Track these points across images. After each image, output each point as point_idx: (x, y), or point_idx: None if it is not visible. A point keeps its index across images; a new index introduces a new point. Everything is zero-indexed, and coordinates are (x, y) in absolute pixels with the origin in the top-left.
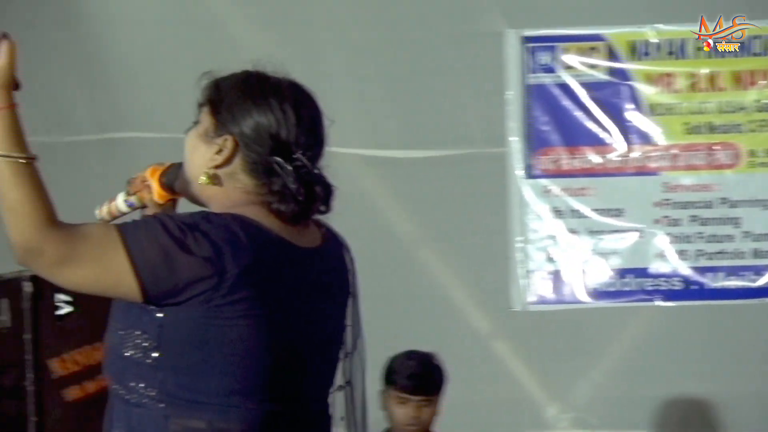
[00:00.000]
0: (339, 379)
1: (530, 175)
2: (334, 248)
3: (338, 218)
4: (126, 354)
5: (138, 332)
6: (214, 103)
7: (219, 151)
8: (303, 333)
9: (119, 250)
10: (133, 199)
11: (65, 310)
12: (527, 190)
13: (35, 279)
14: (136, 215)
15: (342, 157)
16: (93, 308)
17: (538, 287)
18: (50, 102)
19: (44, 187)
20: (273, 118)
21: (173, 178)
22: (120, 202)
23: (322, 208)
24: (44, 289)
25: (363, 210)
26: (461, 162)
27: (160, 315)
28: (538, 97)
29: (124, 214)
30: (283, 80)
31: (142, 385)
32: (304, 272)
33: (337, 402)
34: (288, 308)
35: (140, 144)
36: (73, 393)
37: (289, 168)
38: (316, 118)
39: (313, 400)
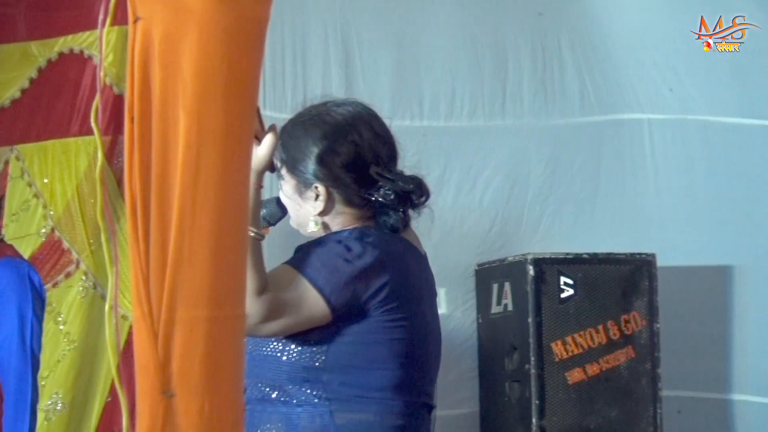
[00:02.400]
0: None
1: None
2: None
3: None
4: (285, 358)
5: (308, 340)
6: (287, 163)
7: (316, 198)
8: (432, 331)
9: (309, 289)
10: None
11: (568, 292)
12: None
13: (538, 262)
14: None
15: None
16: (595, 291)
17: None
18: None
19: (263, 262)
20: (342, 149)
21: (271, 215)
22: None
23: (422, 202)
24: (546, 272)
25: None
26: None
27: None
28: None
29: None
30: (341, 109)
31: (307, 386)
32: (426, 274)
33: None
34: (423, 309)
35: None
36: (575, 376)
37: (381, 188)
38: (385, 129)
39: (433, 395)
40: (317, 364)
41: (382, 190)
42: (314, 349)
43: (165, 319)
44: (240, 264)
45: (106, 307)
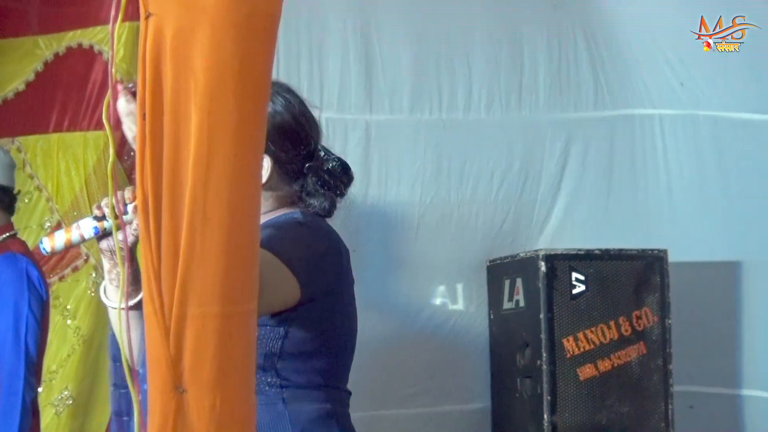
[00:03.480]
0: None
1: None
2: None
3: None
4: None
5: (268, 326)
6: None
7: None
8: (356, 319)
9: (281, 268)
10: (104, 224)
11: (579, 288)
12: None
13: (549, 258)
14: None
15: None
16: (607, 287)
17: None
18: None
19: None
20: (277, 109)
21: None
22: (88, 229)
23: (347, 186)
24: (558, 268)
25: None
26: None
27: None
28: None
29: (79, 243)
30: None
31: (260, 373)
32: (349, 265)
33: None
34: (352, 295)
35: None
36: (586, 372)
37: (316, 166)
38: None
39: None
40: (274, 350)
41: (317, 168)
42: (272, 334)
43: (177, 315)
44: (252, 260)
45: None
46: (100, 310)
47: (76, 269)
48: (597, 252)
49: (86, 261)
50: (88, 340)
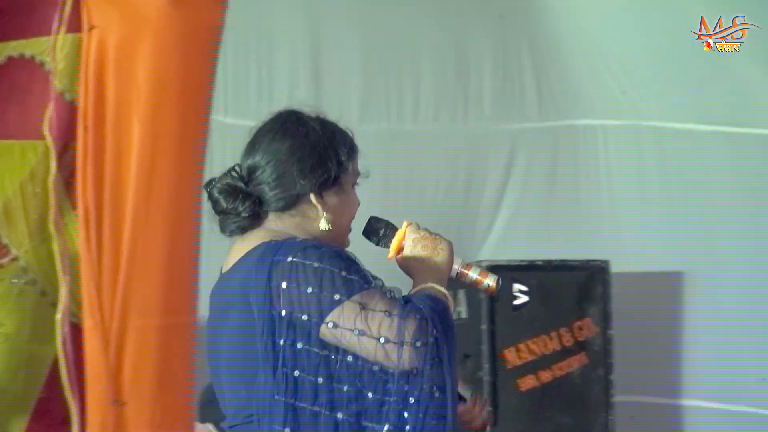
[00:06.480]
0: None
1: None
2: None
3: None
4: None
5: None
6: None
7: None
8: None
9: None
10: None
11: (522, 299)
12: None
13: (492, 269)
14: None
15: None
16: (549, 298)
17: None
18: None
19: None
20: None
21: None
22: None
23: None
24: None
25: None
26: None
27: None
28: None
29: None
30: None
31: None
32: None
33: None
34: None
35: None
36: (527, 382)
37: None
38: None
39: None
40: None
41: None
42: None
43: (117, 328)
44: (192, 272)
45: (58, 315)
46: (26, 311)
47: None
48: (539, 263)
49: (13, 260)
50: (13, 340)
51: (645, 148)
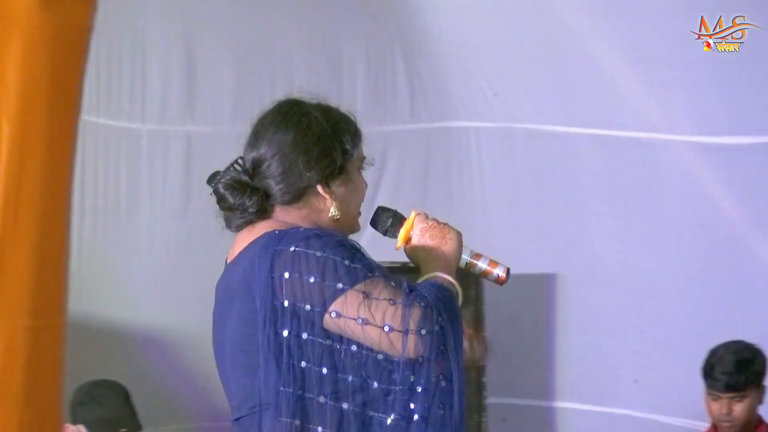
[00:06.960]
0: None
1: None
2: None
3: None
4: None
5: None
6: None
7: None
8: None
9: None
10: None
11: None
12: None
13: None
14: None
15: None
16: None
17: None
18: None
19: None
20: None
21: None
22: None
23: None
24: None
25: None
26: None
27: None
28: None
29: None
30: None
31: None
32: None
33: None
34: None
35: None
36: None
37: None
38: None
39: None
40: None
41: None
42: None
43: None
44: (62, 273)
45: None
46: None
47: None
48: (412, 265)
49: None
50: None
51: (517, 151)
